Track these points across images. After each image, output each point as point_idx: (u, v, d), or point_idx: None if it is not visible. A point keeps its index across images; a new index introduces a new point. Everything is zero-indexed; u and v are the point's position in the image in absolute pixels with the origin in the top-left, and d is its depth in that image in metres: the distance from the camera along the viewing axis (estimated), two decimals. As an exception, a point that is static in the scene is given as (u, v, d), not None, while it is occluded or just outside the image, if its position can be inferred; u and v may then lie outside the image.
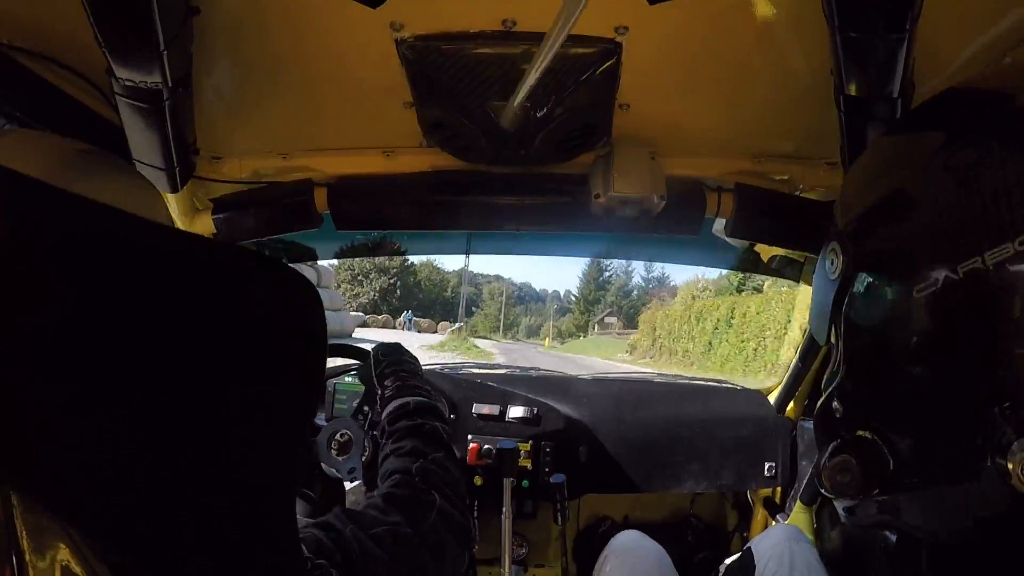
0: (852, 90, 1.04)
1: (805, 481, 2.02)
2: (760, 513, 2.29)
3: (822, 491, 0.79)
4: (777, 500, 2.24)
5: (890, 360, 0.75)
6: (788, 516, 2.08)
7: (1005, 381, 0.60)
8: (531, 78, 1.01)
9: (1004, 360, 0.60)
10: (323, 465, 1.72)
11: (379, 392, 1.32)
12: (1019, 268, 0.56)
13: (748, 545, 1.63)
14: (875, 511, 0.80)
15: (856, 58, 0.99)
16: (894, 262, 0.72)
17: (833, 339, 0.86)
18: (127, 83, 1.05)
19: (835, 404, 0.82)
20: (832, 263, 0.82)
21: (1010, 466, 0.57)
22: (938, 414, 0.68)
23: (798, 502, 2.02)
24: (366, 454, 1.73)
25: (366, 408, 1.73)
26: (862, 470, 0.75)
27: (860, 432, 0.77)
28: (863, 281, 0.76)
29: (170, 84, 1.05)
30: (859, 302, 0.77)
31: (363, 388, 1.93)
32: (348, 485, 1.68)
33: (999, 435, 0.58)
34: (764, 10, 1.04)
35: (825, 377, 0.86)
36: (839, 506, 0.86)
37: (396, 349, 1.47)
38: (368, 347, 1.62)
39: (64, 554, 0.53)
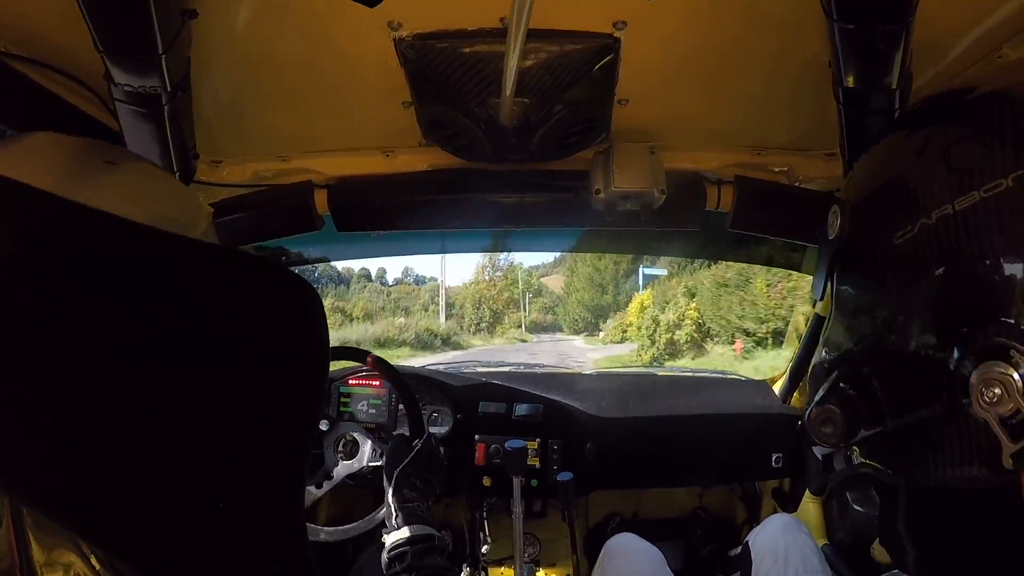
0: (850, 81, 1.04)
1: (813, 471, 2.02)
2: (768, 505, 2.28)
3: (809, 441, 0.85)
4: (786, 491, 2.23)
5: (870, 303, 0.81)
6: (797, 507, 2.08)
7: (968, 313, 0.65)
8: (511, 67, 1.01)
9: (966, 294, 0.66)
10: (327, 468, 1.73)
11: (393, 486, 1.35)
12: (982, 213, 0.63)
13: (746, 540, 1.64)
14: (856, 458, 0.85)
15: (854, 49, 0.99)
16: (881, 215, 0.78)
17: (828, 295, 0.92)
18: (126, 88, 1.05)
19: (824, 353, 0.89)
20: (832, 224, 0.89)
21: (971, 392, 0.61)
22: (911, 355, 0.73)
23: (807, 492, 2.03)
24: (372, 460, 1.73)
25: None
26: (844, 418, 0.80)
27: (843, 384, 0.83)
28: (855, 236, 0.83)
29: (168, 88, 1.05)
30: (850, 256, 0.84)
31: (370, 391, 1.95)
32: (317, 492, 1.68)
33: (965, 364, 0.63)
34: (762, 3, 1.04)
35: (822, 332, 0.91)
36: (818, 454, 0.92)
37: (437, 465, 1.48)
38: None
39: (76, 566, 0.54)
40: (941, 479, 0.72)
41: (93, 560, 0.54)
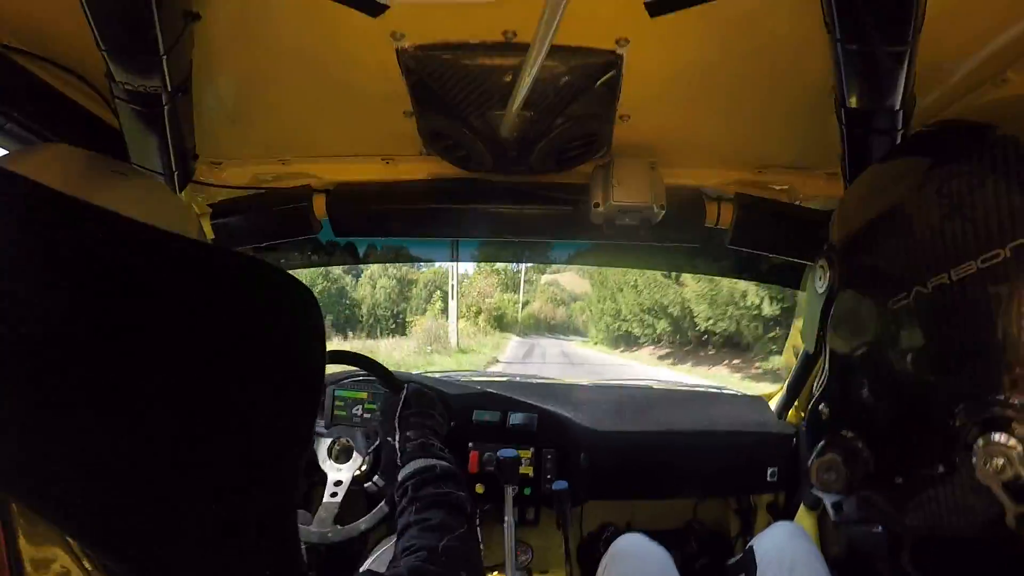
0: (853, 102, 1.04)
1: (808, 486, 2.01)
2: (763, 518, 2.28)
3: (812, 489, 0.84)
4: (780, 505, 2.23)
5: (867, 367, 0.80)
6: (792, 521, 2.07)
7: (969, 383, 0.65)
8: (524, 85, 1.01)
9: (967, 365, 0.66)
10: (321, 472, 1.73)
11: (397, 434, 1.37)
12: (980, 284, 0.63)
13: (750, 544, 1.63)
14: (860, 508, 0.86)
15: (857, 70, 0.98)
16: (873, 277, 0.78)
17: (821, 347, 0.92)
18: (127, 87, 1.05)
19: (822, 407, 0.88)
20: (820, 277, 0.87)
21: (974, 459, 0.62)
22: (910, 416, 0.73)
23: (801, 507, 2.02)
24: (364, 465, 1.73)
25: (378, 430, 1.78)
26: (847, 469, 0.80)
27: (844, 432, 0.83)
28: (846, 294, 0.82)
29: (170, 89, 1.05)
30: (842, 313, 0.83)
31: (363, 395, 1.94)
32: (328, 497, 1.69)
33: (965, 433, 0.64)
34: (765, 21, 1.04)
35: (815, 382, 0.91)
36: (828, 502, 0.92)
37: (430, 401, 1.49)
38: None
39: (62, 560, 0.53)
40: (945, 532, 0.73)
41: (84, 560, 0.54)
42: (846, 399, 0.84)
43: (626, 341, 28.41)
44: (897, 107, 1.02)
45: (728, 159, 1.53)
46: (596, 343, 32.97)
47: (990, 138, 0.68)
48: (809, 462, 0.85)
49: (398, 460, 1.32)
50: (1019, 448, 0.60)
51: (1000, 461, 0.60)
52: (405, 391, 1.52)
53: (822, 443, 0.84)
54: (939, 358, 0.68)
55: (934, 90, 1.12)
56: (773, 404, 2.30)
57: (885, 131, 1.06)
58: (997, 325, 0.62)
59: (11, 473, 0.48)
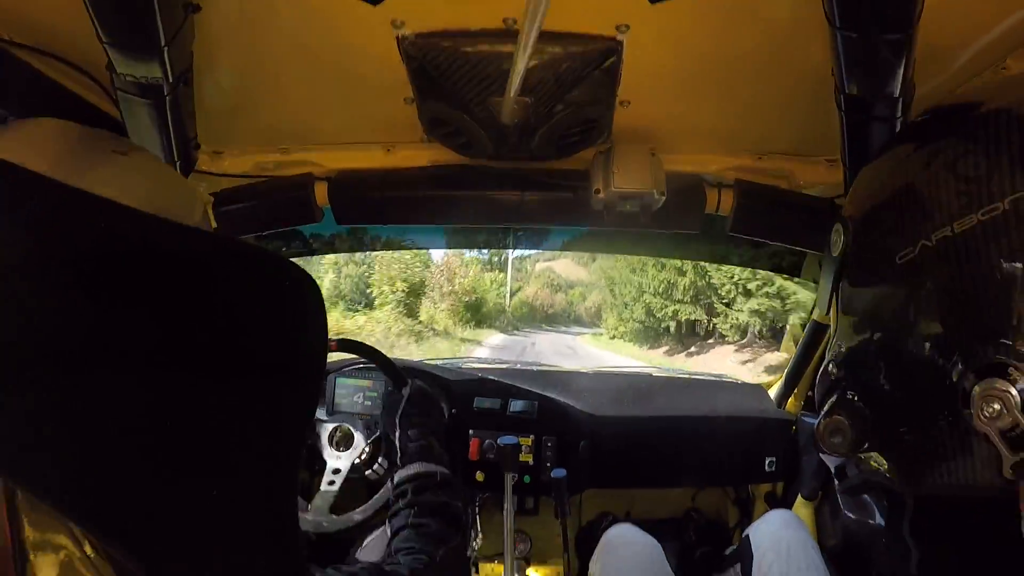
0: (853, 89, 1.04)
1: (806, 476, 2.02)
2: (761, 508, 2.29)
3: (820, 450, 0.87)
4: (779, 495, 2.24)
5: (875, 325, 0.82)
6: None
7: (969, 333, 0.67)
8: (518, 70, 1.01)
9: (968, 315, 0.68)
10: (321, 459, 1.74)
11: (398, 431, 1.38)
12: (980, 235, 0.65)
13: (746, 533, 1.64)
14: (864, 470, 0.89)
15: (857, 58, 0.99)
16: (883, 236, 0.80)
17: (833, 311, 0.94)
18: (128, 78, 1.05)
19: (831, 367, 0.90)
20: (835, 242, 0.90)
21: (973, 409, 0.64)
22: (915, 370, 0.75)
23: (799, 497, 2.03)
24: (364, 454, 1.74)
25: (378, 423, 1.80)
26: (853, 429, 0.83)
27: (851, 394, 0.85)
28: (858, 255, 0.85)
29: (171, 79, 1.06)
30: (854, 272, 0.86)
31: (366, 383, 1.95)
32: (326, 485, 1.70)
33: (963, 381, 0.66)
34: (765, 8, 1.04)
35: (827, 346, 0.93)
36: (832, 465, 0.94)
37: (432, 401, 1.50)
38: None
39: (68, 549, 0.54)
40: (945, 488, 0.75)
41: (86, 545, 0.54)
42: (854, 359, 0.86)
43: (665, 335, 22.56)
44: (896, 95, 1.02)
45: (728, 145, 1.53)
46: (615, 336, 27.50)
47: (985, 110, 0.70)
48: (817, 424, 0.87)
49: (397, 460, 1.33)
50: (1015, 394, 0.61)
51: (996, 406, 0.62)
52: (409, 388, 1.53)
53: (830, 404, 0.87)
54: (941, 309, 0.70)
55: (934, 78, 1.12)
56: (772, 393, 2.31)
57: (884, 118, 1.07)
58: (996, 274, 0.64)
59: (15, 461, 0.48)
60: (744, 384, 2.48)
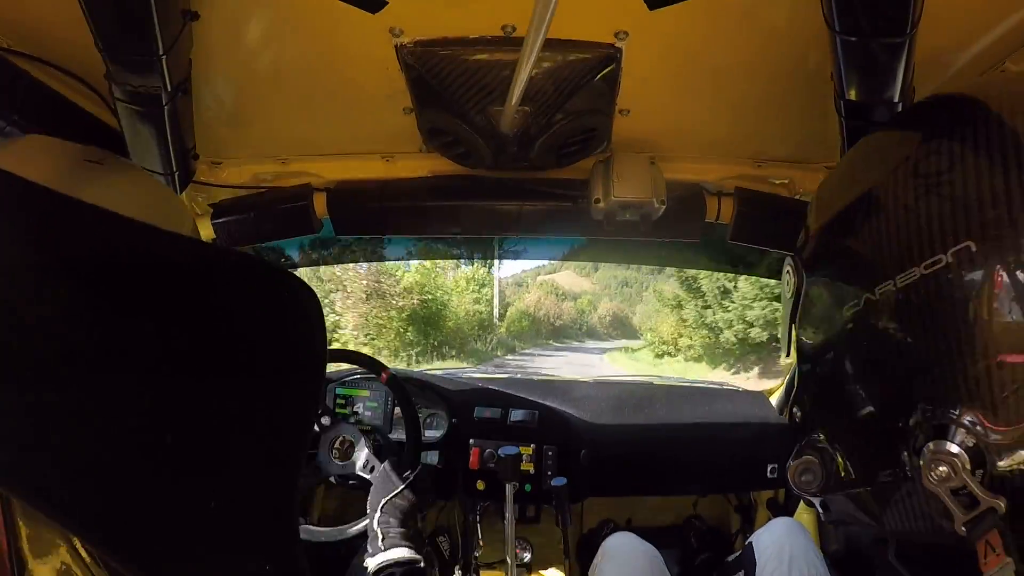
0: (852, 95, 1.04)
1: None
2: (763, 515, 2.28)
3: (793, 489, 0.86)
4: (781, 501, 2.23)
5: (828, 371, 0.81)
6: (791, 518, 2.07)
7: (918, 390, 0.66)
8: (521, 79, 1.01)
9: (915, 371, 0.66)
10: (321, 468, 1.73)
11: (378, 514, 1.40)
12: (920, 291, 0.63)
13: (749, 540, 1.63)
14: (838, 508, 0.88)
15: (856, 62, 0.99)
16: (828, 283, 0.79)
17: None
18: (127, 87, 1.05)
19: (795, 409, 0.90)
20: (787, 282, 0.89)
21: (921, 464, 0.63)
22: (869, 421, 0.74)
23: (801, 503, 2.02)
24: (367, 461, 1.73)
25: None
26: (824, 470, 0.82)
27: (817, 435, 0.84)
28: (807, 298, 0.84)
29: (169, 88, 1.06)
30: (803, 318, 0.85)
31: (366, 392, 1.95)
32: None
33: (915, 439, 0.65)
34: (765, 14, 1.04)
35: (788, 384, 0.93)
36: (815, 502, 0.94)
37: (422, 492, 1.52)
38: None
39: (64, 558, 0.53)
40: (910, 535, 0.75)
41: (83, 553, 0.54)
42: (816, 403, 0.86)
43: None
44: (896, 99, 1.02)
45: (728, 153, 1.53)
46: (663, 353, 20.10)
47: (919, 144, 0.68)
48: (787, 463, 0.86)
49: (380, 543, 1.34)
50: (964, 457, 0.61)
51: (944, 469, 0.61)
52: (411, 476, 1.53)
53: (799, 445, 0.86)
54: (888, 365, 0.69)
55: (933, 82, 1.13)
56: (774, 400, 2.30)
57: (884, 123, 1.07)
58: (939, 332, 0.63)
59: (12, 471, 0.48)
60: (745, 391, 2.47)
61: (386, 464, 1.54)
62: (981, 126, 0.63)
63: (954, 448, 0.61)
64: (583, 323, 30.72)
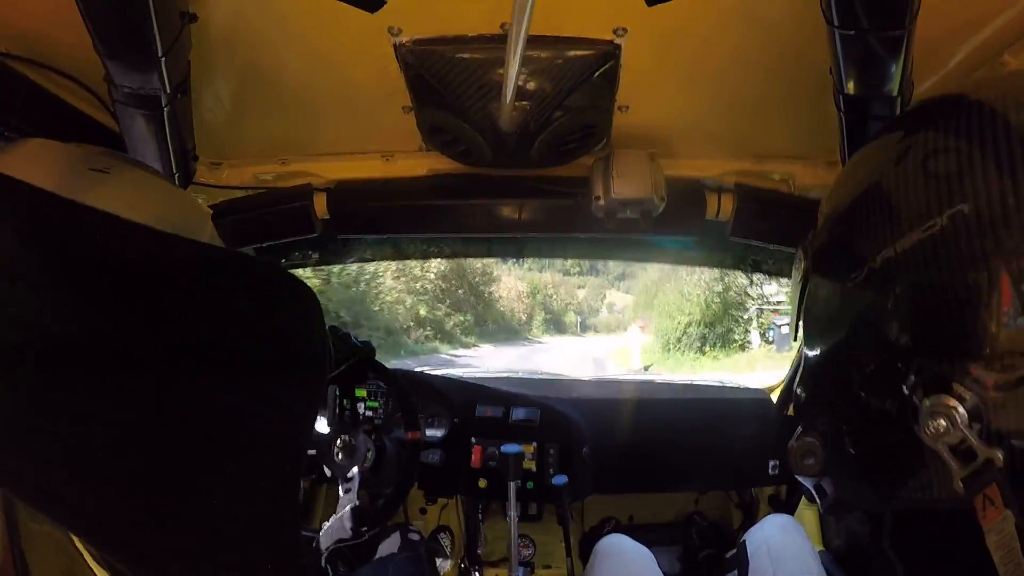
0: (851, 88, 1.04)
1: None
2: (765, 511, 2.28)
3: (793, 472, 0.87)
4: (783, 498, 2.23)
5: (831, 344, 0.82)
6: (793, 514, 2.07)
7: (918, 350, 0.67)
8: (510, 75, 1.01)
9: (915, 333, 0.68)
10: (325, 470, 1.73)
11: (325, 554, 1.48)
12: (920, 253, 0.65)
13: (742, 538, 1.64)
14: (839, 490, 0.87)
15: (854, 57, 0.99)
16: (835, 259, 0.80)
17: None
18: (125, 89, 1.05)
19: (799, 391, 0.90)
20: (797, 268, 0.90)
21: (920, 426, 0.63)
22: (868, 390, 0.75)
23: (803, 499, 2.02)
24: (368, 462, 1.73)
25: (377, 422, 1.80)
26: (824, 449, 0.82)
27: (819, 415, 0.85)
28: (815, 278, 0.85)
29: (168, 90, 1.06)
30: (811, 297, 0.86)
31: (364, 393, 1.95)
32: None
33: (914, 395, 0.65)
34: (763, 9, 1.04)
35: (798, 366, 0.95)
36: (809, 486, 0.95)
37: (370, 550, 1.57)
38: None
39: (67, 559, 0.54)
40: (911, 503, 0.75)
41: (86, 556, 0.54)
42: (818, 381, 0.86)
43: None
44: (895, 93, 1.02)
45: (727, 149, 1.53)
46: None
47: (924, 129, 0.70)
48: (788, 446, 0.87)
49: None
50: (961, 410, 0.61)
51: (942, 422, 0.62)
52: (368, 534, 1.57)
53: (800, 427, 0.86)
54: (890, 330, 0.70)
55: (932, 75, 1.13)
56: (775, 396, 2.30)
57: (883, 117, 1.07)
58: (937, 293, 0.64)
59: (14, 472, 0.48)
60: (746, 388, 2.48)
61: (380, 403, 1.58)
62: (977, 110, 0.66)
63: (952, 401, 0.62)
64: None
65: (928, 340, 0.66)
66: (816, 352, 0.86)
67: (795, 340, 0.95)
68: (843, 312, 0.78)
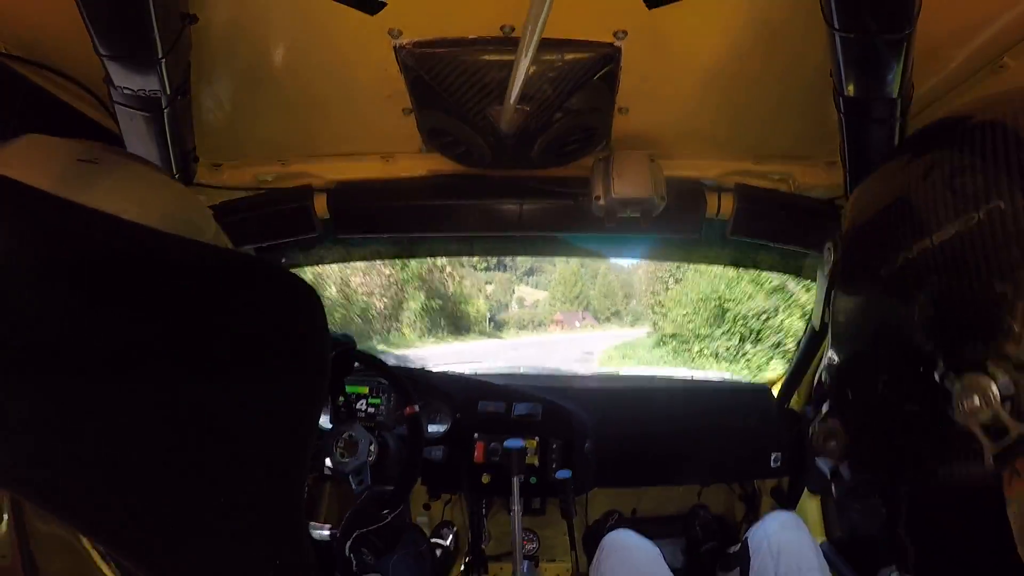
0: (851, 90, 1.04)
1: (812, 470, 2.03)
2: (768, 503, 2.30)
3: (814, 454, 0.89)
4: (785, 490, 2.25)
5: (862, 333, 0.84)
6: (796, 506, 2.09)
7: (950, 334, 0.69)
8: (518, 79, 1.01)
9: (949, 318, 0.69)
10: (328, 466, 1.74)
11: (348, 543, 1.49)
12: (958, 246, 0.67)
13: (745, 536, 1.65)
14: (859, 472, 0.89)
15: (855, 59, 0.99)
16: (869, 250, 0.82)
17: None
18: (125, 91, 1.05)
19: (824, 376, 0.92)
20: (828, 259, 0.92)
21: (954, 403, 0.65)
22: (899, 375, 0.77)
23: (805, 491, 2.03)
24: (371, 456, 1.74)
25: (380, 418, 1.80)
26: (847, 433, 0.86)
27: (844, 399, 0.87)
28: (847, 268, 0.87)
29: (168, 92, 1.06)
30: (843, 285, 0.88)
31: (366, 389, 1.95)
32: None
33: (944, 382, 0.67)
34: (763, 11, 1.04)
35: (823, 357, 0.96)
36: (826, 469, 0.96)
37: (393, 532, 1.61)
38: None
39: (74, 557, 0.54)
40: (936, 484, 0.77)
41: (94, 555, 0.54)
42: (845, 368, 0.88)
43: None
44: (895, 95, 1.02)
45: (727, 149, 1.53)
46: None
47: (964, 126, 0.72)
48: (812, 428, 0.89)
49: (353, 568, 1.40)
50: (994, 389, 0.63)
51: (976, 400, 0.63)
52: (390, 516, 1.59)
53: (825, 409, 0.89)
54: (924, 317, 0.72)
55: (932, 77, 1.13)
56: (776, 390, 2.31)
57: (883, 119, 1.07)
58: (973, 280, 0.66)
59: (22, 473, 0.48)
60: (747, 383, 2.49)
61: (367, 496, 1.59)
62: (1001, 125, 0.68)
63: (985, 380, 0.63)
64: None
65: (963, 325, 0.68)
66: (844, 339, 0.88)
67: (819, 328, 0.97)
68: (875, 303, 0.80)
